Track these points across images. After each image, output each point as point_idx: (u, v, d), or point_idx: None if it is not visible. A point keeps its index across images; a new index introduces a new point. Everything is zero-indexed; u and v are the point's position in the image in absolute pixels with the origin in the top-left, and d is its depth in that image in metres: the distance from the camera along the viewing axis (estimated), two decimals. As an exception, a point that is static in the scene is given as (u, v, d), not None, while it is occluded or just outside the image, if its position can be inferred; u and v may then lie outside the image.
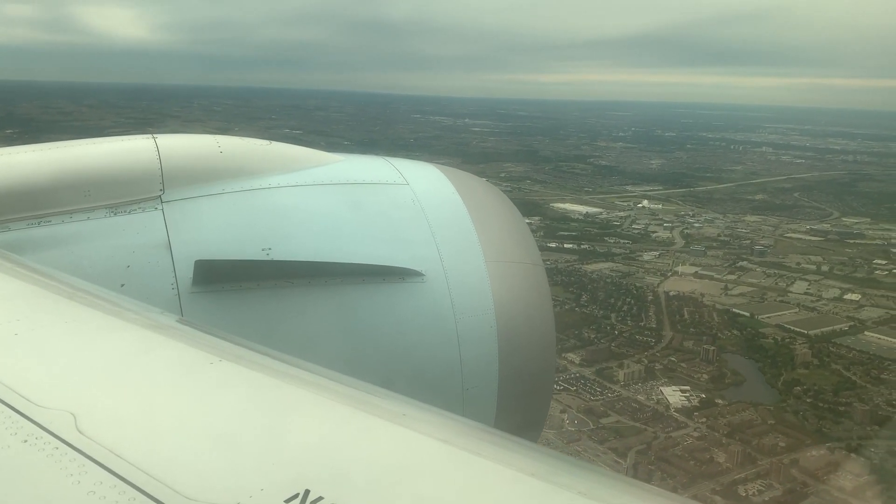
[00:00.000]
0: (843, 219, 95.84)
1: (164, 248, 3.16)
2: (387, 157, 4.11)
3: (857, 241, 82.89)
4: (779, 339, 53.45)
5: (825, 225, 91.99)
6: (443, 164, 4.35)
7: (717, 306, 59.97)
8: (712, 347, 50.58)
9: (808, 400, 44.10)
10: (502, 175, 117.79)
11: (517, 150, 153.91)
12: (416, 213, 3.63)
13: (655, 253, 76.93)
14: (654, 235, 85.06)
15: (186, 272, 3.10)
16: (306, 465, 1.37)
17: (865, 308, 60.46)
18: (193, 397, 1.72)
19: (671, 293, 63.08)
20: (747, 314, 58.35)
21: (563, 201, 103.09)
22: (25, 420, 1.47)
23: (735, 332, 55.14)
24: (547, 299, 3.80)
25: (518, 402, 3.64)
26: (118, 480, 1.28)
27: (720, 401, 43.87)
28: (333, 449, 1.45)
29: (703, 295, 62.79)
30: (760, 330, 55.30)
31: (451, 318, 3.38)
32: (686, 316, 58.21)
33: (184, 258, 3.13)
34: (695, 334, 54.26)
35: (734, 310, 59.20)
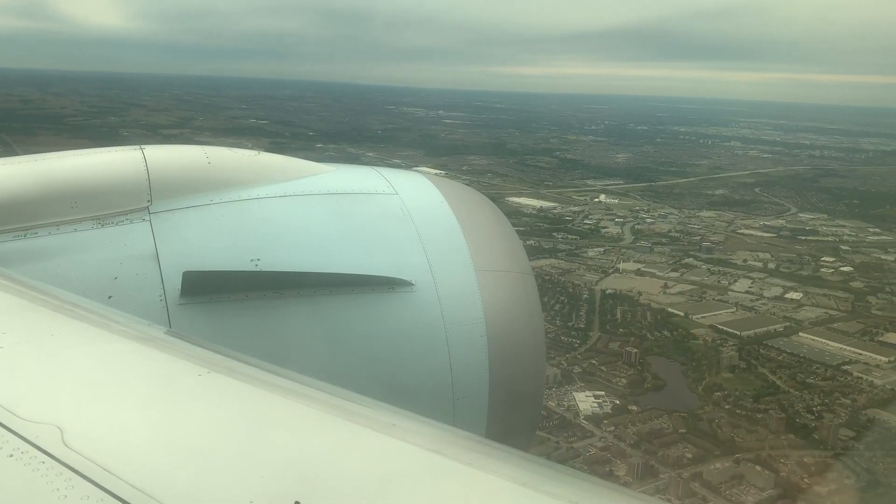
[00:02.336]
0: (800, 215, 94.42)
1: (152, 259, 3.13)
2: (376, 167, 4.09)
3: (809, 238, 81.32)
4: (709, 340, 51.43)
5: (780, 221, 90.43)
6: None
7: (653, 305, 57.89)
8: (635, 350, 48.42)
9: (727, 406, 42.01)
10: (464, 168, 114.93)
11: (485, 143, 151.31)
12: (405, 223, 3.60)
13: (601, 249, 74.82)
14: (604, 231, 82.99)
15: (174, 283, 3.05)
16: (296, 476, 1.36)
17: (805, 308, 58.72)
18: (182, 410, 1.70)
19: (608, 291, 60.94)
20: (682, 314, 56.27)
21: (520, 195, 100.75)
22: (11, 434, 1.46)
23: (665, 333, 53.01)
24: (536, 308, 3.75)
25: (509, 411, 3.59)
26: (105, 494, 1.26)
27: (634, 407, 41.69)
28: (323, 460, 1.46)
29: (640, 293, 60.69)
30: (692, 331, 53.08)
31: (440, 328, 3.34)
32: (618, 316, 56.06)
33: (172, 269, 3.09)
34: (623, 335, 52.02)
35: (669, 309, 57.04)
